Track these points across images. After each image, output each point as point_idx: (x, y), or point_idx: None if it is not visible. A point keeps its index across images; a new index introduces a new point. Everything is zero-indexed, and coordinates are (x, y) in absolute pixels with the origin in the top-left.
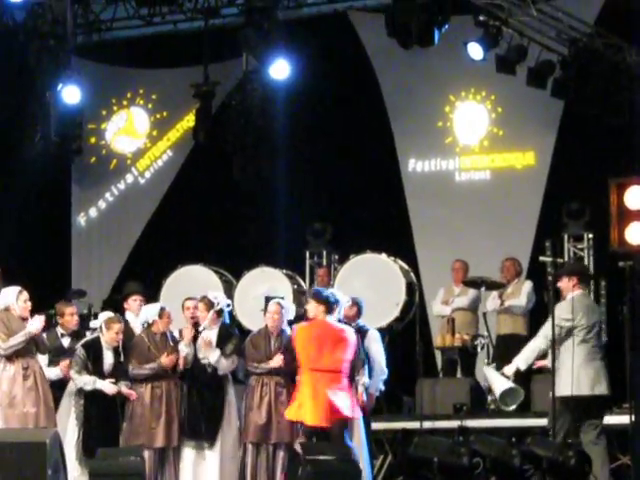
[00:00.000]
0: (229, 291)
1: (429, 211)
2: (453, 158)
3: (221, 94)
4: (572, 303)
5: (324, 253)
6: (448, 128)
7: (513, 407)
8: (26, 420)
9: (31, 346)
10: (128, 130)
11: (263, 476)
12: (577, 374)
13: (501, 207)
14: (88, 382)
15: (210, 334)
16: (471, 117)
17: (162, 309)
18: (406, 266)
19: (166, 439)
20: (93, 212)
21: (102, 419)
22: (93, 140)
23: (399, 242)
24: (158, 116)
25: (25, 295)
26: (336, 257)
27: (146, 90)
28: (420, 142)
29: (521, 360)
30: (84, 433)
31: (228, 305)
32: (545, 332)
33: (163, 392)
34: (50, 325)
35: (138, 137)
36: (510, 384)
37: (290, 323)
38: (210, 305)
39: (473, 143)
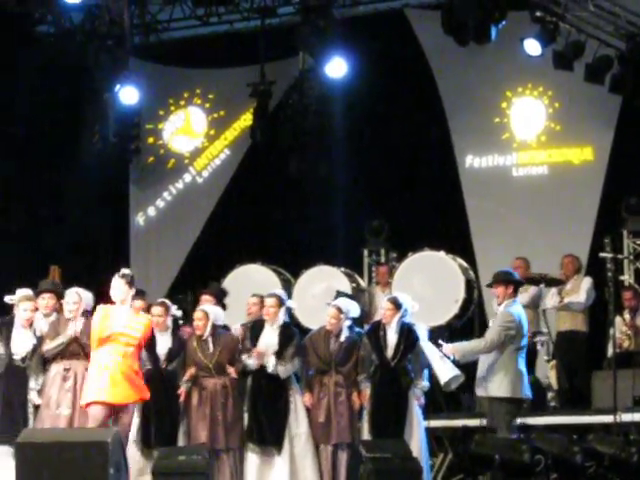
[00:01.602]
0: (287, 289)
1: (487, 207)
2: (510, 154)
3: (278, 93)
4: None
5: (382, 251)
6: (505, 124)
7: (453, 388)
8: (58, 421)
9: (76, 348)
10: (186, 130)
11: (325, 477)
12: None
13: (559, 203)
14: None
15: (271, 334)
16: (528, 113)
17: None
18: (465, 263)
19: (209, 441)
20: (152, 211)
21: (160, 412)
22: (151, 140)
23: (457, 239)
24: (215, 115)
25: (72, 297)
26: (394, 255)
27: (203, 90)
28: (477, 138)
29: (460, 352)
30: (142, 425)
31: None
32: (490, 336)
33: (208, 394)
34: None
35: (196, 136)
36: (454, 371)
37: (354, 321)
38: (280, 302)
39: (530, 139)
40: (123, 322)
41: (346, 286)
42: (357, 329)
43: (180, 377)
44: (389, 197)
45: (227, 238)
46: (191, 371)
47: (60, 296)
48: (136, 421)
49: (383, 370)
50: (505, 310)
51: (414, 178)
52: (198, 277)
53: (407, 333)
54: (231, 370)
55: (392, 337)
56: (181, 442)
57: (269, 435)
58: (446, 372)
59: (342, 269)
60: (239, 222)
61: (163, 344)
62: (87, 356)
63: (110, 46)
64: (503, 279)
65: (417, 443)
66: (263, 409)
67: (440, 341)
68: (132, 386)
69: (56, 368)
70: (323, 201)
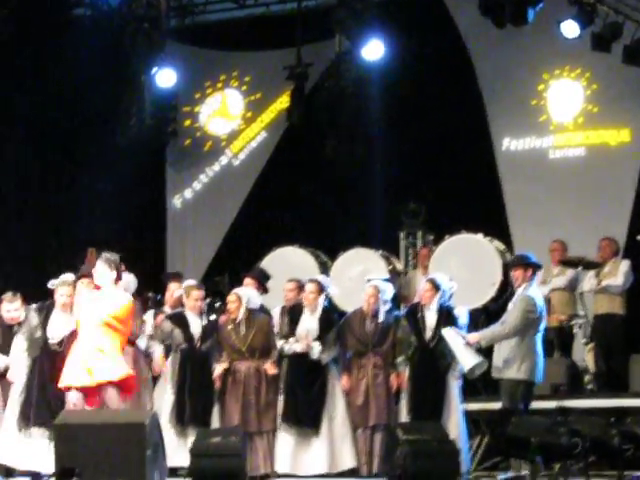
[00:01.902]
0: (324, 272)
1: (523, 190)
2: (547, 136)
3: (314, 75)
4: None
5: (419, 234)
6: (542, 106)
7: (477, 375)
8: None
9: None
10: (222, 112)
11: (363, 459)
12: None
13: (596, 185)
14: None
15: (311, 320)
16: (565, 95)
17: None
18: (502, 246)
19: (242, 424)
20: (188, 194)
21: (194, 391)
22: (188, 123)
23: (494, 222)
24: (252, 98)
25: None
26: (431, 237)
27: (240, 72)
28: (514, 121)
29: (486, 340)
30: (176, 404)
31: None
32: (514, 322)
33: (242, 378)
34: (148, 307)
35: (232, 119)
36: (478, 358)
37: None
38: (321, 288)
39: (567, 121)
40: (105, 305)
41: (383, 269)
42: (395, 312)
43: (214, 357)
44: (426, 179)
45: (263, 220)
46: (224, 365)
47: None
48: (171, 400)
49: (422, 352)
50: (526, 294)
51: (451, 160)
52: (235, 259)
53: (446, 315)
54: (268, 366)
55: (431, 318)
56: (216, 423)
57: (307, 417)
58: (470, 359)
59: (379, 252)
60: (275, 204)
61: (197, 325)
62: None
63: (147, 29)
64: (522, 262)
65: (455, 425)
66: (301, 392)
67: (459, 330)
68: (107, 367)
69: None
70: (359, 184)
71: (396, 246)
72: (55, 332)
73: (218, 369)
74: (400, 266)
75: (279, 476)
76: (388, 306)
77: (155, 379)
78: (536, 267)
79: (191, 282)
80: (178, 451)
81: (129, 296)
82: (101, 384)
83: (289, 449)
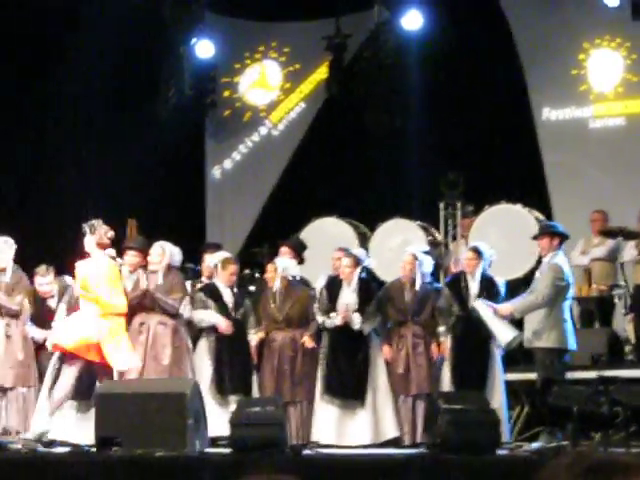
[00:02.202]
0: (364, 243)
1: (563, 160)
2: (587, 106)
3: (353, 46)
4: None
5: (458, 204)
6: (582, 76)
7: (514, 347)
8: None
9: (150, 302)
10: (261, 83)
11: (405, 428)
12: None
13: (636, 154)
14: (204, 317)
15: (350, 293)
16: (606, 64)
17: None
18: (541, 216)
19: (276, 393)
20: (228, 164)
21: (232, 360)
22: (227, 93)
23: (533, 192)
24: (291, 69)
25: (156, 250)
26: (470, 208)
27: (279, 43)
28: (554, 90)
29: (519, 312)
30: (215, 373)
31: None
32: (545, 291)
33: (277, 347)
34: (188, 278)
35: (271, 90)
36: (514, 332)
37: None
38: (357, 262)
39: (607, 90)
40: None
41: (422, 239)
42: (435, 284)
43: (248, 325)
44: (465, 150)
45: (302, 191)
46: (260, 334)
47: (145, 253)
48: (209, 370)
49: (465, 321)
50: (553, 262)
51: (490, 130)
52: (273, 230)
53: (489, 283)
54: (306, 340)
55: (474, 287)
56: (255, 392)
57: (351, 389)
58: (507, 333)
59: (418, 222)
60: (314, 175)
61: (227, 294)
62: (162, 310)
63: (186, 0)
64: (548, 231)
65: (498, 394)
66: (344, 364)
67: (488, 302)
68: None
69: (135, 322)
70: (398, 154)
71: (435, 217)
72: None
73: (254, 339)
74: (439, 237)
75: (320, 446)
76: (427, 277)
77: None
78: (563, 236)
79: (227, 255)
80: (219, 421)
81: (105, 262)
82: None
83: (333, 420)
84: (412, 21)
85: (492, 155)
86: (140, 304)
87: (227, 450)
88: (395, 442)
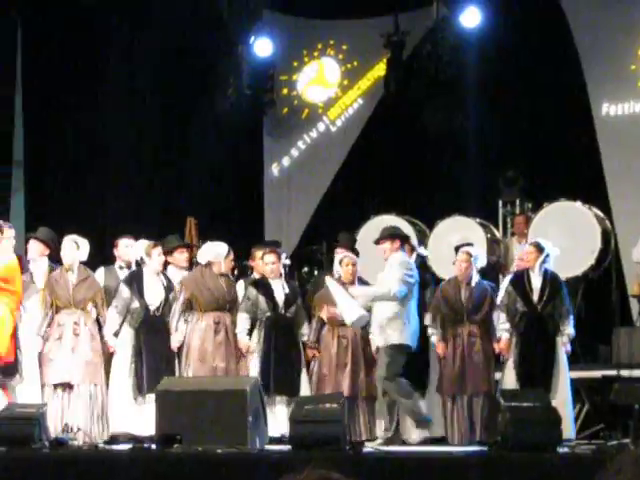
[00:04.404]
0: (422, 240)
1: (623, 155)
2: None
3: (411, 43)
4: None
5: (517, 201)
6: None
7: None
8: (215, 374)
9: (223, 301)
10: (319, 80)
11: (462, 426)
12: None
13: None
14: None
15: None
16: None
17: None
18: (601, 213)
19: (351, 389)
20: (286, 161)
21: (279, 359)
22: (285, 91)
23: (592, 188)
24: (349, 66)
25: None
26: (529, 205)
27: (337, 41)
28: (613, 86)
29: (365, 297)
30: (262, 373)
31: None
32: (393, 284)
33: (349, 342)
34: (243, 276)
35: (329, 87)
36: (360, 312)
37: (481, 272)
38: (412, 250)
39: None
40: None
41: (481, 237)
42: (489, 283)
43: (298, 324)
44: (524, 147)
45: (359, 188)
46: (314, 352)
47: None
48: (256, 369)
49: (529, 317)
50: (403, 260)
51: (548, 127)
52: (330, 227)
53: (551, 278)
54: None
55: (536, 282)
56: (306, 390)
57: (413, 382)
58: (353, 311)
59: (477, 220)
60: (372, 171)
61: (278, 291)
62: (231, 309)
63: None
64: (389, 234)
65: (564, 392)
66: (408, 357)
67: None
68: None
69: (206, 321)
70: (457, 151)
71: (494, 214)
72: (152, 299)
73: (310, 337)
74: (498, 234)
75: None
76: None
77: None
78: (403, 238)
79: (265, 248)
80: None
81: (12, 255)
82: None
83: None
84: (471, 18)
85: (551, 152)
86: (215, 303)
87: (286, 447)
88: (441, 441)
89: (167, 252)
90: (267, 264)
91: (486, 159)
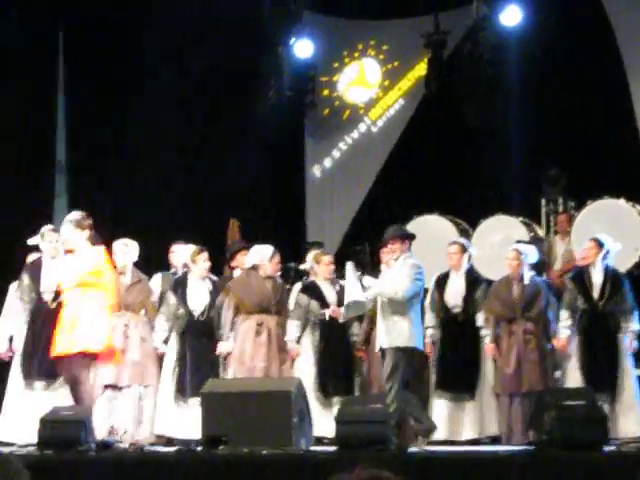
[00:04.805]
0: (465, 239)
1: None
2: None
3: (452, 42)
4: None
5: (560, 200)
6: None
7: (350, 316)
8: (254, 374)
9: (267, 304)
10: (360, 81)
11: (519, 425)
12: None
13: None
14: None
15: (458, 282)
16: None
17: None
18: None
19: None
20: (327, 162)
21: (334, 360)
22: (326, 92)
23: (635, 187)
24: (389, 66)
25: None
26: (572, 204)
27: (377, 41)
28: None
29: (372, 293)
30: (319, 374)
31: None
32: (403, 284)
33: None
34: (289, 277)
35: (370, 87)
36: (358, 298)
37: (534, 268)
38: (463, 249)
39: None
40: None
41: (524, 235)
42: (543, 279)
43: (351, 326)
44: (566, 145)
45: (401, 188)
46: (362, 354)
47: None
48: (313, 370)
49: (591, 313)
50: (412, 262)
51: (590, 126)
52: (373, 228)
53: (612, 274)
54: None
55: (597, 278)
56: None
57: (462, 382)
58: (354, 294)
59: (520, 218)
60: (414, 171)
61: (329, 292)
62: (278, 312)
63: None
64: (399, 234)
65: (630, 390)
66: (455, 357)
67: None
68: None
69: (249, 323)
70: (499, 150)
71: (537, 213)
72: (196, 304)
73: (360, 337)
74: (541, 233)
75: (429, 443)
76: (531, 272)
77: None
78: (411, 238)
79: (318, 250)
80: (321, 421)
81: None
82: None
83: (445, 415)
84: (511, 17)
85: (593, 150)
86: (260, 306)
87: (332, 448)
88: (495, 440)
89: (231, 256)
90: (328, 264)
91: (528, 157)
